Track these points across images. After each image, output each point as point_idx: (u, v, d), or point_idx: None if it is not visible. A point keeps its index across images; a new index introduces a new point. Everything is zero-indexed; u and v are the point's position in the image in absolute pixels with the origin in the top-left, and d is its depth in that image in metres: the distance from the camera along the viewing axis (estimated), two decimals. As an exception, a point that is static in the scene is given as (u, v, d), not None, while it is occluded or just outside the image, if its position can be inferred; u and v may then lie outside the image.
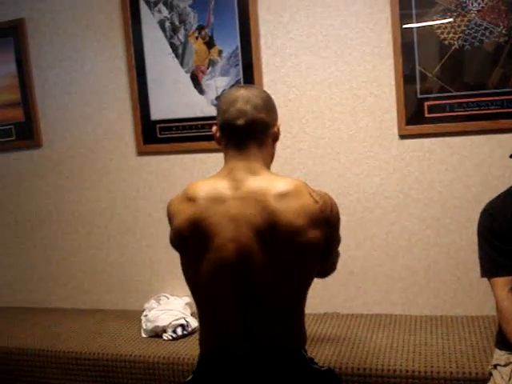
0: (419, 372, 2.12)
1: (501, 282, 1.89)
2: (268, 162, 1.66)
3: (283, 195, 1.50)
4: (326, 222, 1.54)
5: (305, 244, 1.51)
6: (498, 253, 1.92)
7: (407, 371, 2.13)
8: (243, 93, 1.61)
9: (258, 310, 1.56)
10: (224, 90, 2.83)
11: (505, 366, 1.90)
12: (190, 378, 1.69)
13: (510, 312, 1.86)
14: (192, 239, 1.58)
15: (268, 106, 1.64)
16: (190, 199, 1.57)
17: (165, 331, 2.66)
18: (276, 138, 1.69)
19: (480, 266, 1.97)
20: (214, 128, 1.68)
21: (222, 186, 1.56)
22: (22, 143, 3.31)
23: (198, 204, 1.55)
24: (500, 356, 1.94)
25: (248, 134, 1.59)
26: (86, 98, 3.14)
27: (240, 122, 1.58)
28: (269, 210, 1.49)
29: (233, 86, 2.81)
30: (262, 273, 1.52)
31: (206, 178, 1.65)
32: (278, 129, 1.68)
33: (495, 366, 1.93)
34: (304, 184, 1.56)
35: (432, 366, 2.14)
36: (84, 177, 3.20)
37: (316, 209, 1.52)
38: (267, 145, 1.65)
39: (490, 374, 1.95)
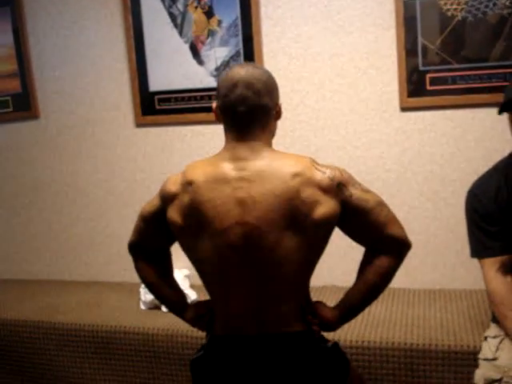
0: (417, 345, 2.14)
1: (489, 262, 1.90)
2: (270, 141, 1.63)
3: (296, 174, 1.48)
4: (340, 187, 1.53)
5: (321, 218, 1.50)
6: (484, 234, 1.92)
7: (405, 344, 2.15)
8: (244, 76, 1.54)
9: (267, 290, 1.55)
10: (224, 62, 2.81)
11: (494, 337, 1.92)
12: (199, 355, 1.67)
13: (498, 294, 1.87)
14: (190, 227, 1.55)
15: (270, 88, 1.58)
16: (189, 183, 1.53)
17: (163, 303, 2.67)
18: (278, 117, 1.65)
19: (469, 246, 1.98)
20: (214, 104, 1.63)
21: (225, 166, 1.52)
22: (19, 114, 3.28)
23: (198, 188, 1.51)
24: (492, 328, 1.97)
25: (250, 118, 1.56)
26: (83, 68, 3.10)
27: (241, 108, 1.54)
28: (283, 189, 1.47)
29: (233, 56, 2.80)
30: (273, 253, 1.50)
31: (206, 158, 1.62)
32: (280, 108, 1.64)
33: (486, 338, 1.96)
34: (310, 160, 1.54)
35: (430, 339, 2.15)
36: (82, 148, 3.18)
37: (326, 179, 1.51)
38: (270, 126, 1.61)
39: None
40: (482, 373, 1.86)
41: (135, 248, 1.81)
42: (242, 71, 1.56)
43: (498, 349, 1.88)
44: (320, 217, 1.50)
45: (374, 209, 1.58)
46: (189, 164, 1.61)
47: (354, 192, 1.56)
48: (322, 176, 1.51)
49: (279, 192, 1.47)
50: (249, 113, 1.54)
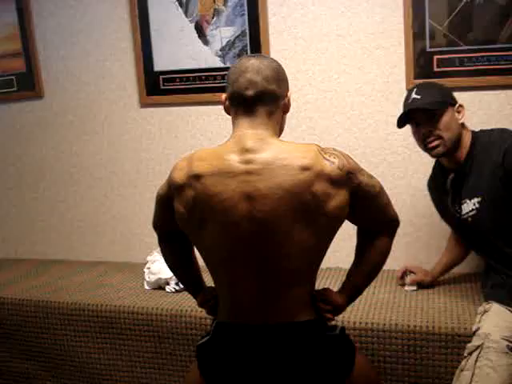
0: (421, 327, 2.13)
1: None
2: (277, 131, 1.63)
3: (305, 168, 1.48)
4: (349, 176, 1.53)
5: (333, 211, 1.51)
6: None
7: (409, 326, 2.15)
8: (254, 63, 1.58)
9: (275, 280, 1.55)
10: (229, 42, 2.79)
11: (479, 313, 2.06)
12: (204, 341, 1.68)
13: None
14: (196, 220, 1.56)
15: (279, 76, 1.61)
16: (195, 177, 1.52)
17: (167, 283, 2.67)
18: (286, 109, 1.66)
19: None
20: (224, 96, 1.65)
21: (232, 159, 1.51)
22: (23, 94, 3.27)
23: (204, 182, 1.51)
24: (480, 307, 2.10)
25: (257, 104, 1.57)
26: (87, 47, 3.08)
27: (250, 92, 1.55)
28: (291, 183, 1.47)
29: (239, 36, 2.77)
30: (282, 246, 1.51)
31: (213, 148, 1.61)
32: (289, 100, 1.66)
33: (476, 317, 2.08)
34: (316, 149, 1.53)
35: (433, 322, 2.15)
36: (86, 128, 3.17)
37: (336, 170, 1.51)
38: (277, 116, 1.62)
39: None
40: (467, 345, 1.95)
41: (156, 228, 1.85)
42: (252, 59, 1.60)
43: (480, 320, 1.99)
44: (332, 210, 1.51)
45: (379, 193, 1.65)
46: (196, 153, 1.59)
47: (362, 179, 1.58)
48: (332, 167, 1.50)
49: (288, 186, 1.47)
50: (257, 98, 1.56)
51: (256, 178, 1.48)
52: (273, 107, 1.59)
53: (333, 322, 1.69)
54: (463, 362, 1.91)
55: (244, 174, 1.49)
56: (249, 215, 1.48)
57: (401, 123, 2.17)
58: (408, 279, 2.49)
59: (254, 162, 1.49)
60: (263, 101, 1.57)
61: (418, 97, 2.10)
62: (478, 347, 1.89)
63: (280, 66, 1.64)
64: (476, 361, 1.86)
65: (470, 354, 1.90)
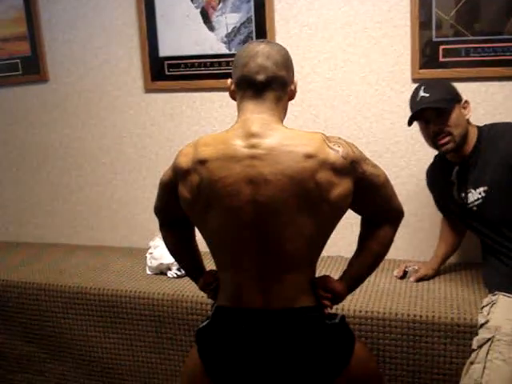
0: (420, 316, 2.14)
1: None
2: (283, 117, 1.64)
3: (309, 156, 1.48)
4: (353, 165, 1.54)
5: (337, 200, 1.52)
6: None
7: (409, 315, 2.15)
8: (264, 48, 1.59)
9: (276, 265, 1.55)
10: (235, 29, 2.78)
11: (487, 305, 2.05)
12: (204, 324, 1.69)
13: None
14: (200, 204, 1.56)
15: (287, 63, 1.63)
16: (200, 162, 1.53)
17: (169, 269, 2.68)
18: (293, 96, 1.68)
19: None
20: (229, 81, 1.66)
21: (237, 144, 1.52)
22: (28, 78, 3.26)
23: (208, 167, 1.51)
24: (486, 298, 2.10)
25: (266, 89, 1.57)
26: (93, 32, 3.07)
27: (260, 77, 1.56)
28: (295, 170, 1.47)
29: (244, 23, 2.76)
30: (285, 231, 1.51)
31: (218, 133, 1.62)
32: (295, 87, 1.67)
33: (481, 309, 2.07)
34: (321, 137, 1.54)
35: (434, 311, 2.15)
36: (90, 113, 3.17)
37: (340, 159, 1.51)
38: (284, 102, 1.63)
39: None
40: (476, 338, 1.95)
41: (158, 213, 1.86)
42: (261, 45, 1.61)
43: (489, 313, 1.99)
44: (335, 198, 1.52)
45: (384, 183, 1.66)
46: (201, 139, 1.60)
47: (366, 168, 1.59)
48: (336, 155, 1.51)
49: (292, 173, 1.47)
50: (266, 83, 1.57)
51: (260, 163, 1.49)
52: (281, 93, 1.60)
53: (332, 310, 1.70)
54: (473, 355, 1.92)
55: (248, 159, 1.50)
56: (252, 199, 1.49)
57: (411, 121, 2.20)
58: (411, 273, 2.50)
59: (258, 147, 1.50)
60: (272, 86, 1.58)
61: (427, 95, 2.13)
62: (488, 340, 1.90)
63: (288, 53, 1.65)
64: (487, 354, 1.87)
65: (480, 346, 1.91)
